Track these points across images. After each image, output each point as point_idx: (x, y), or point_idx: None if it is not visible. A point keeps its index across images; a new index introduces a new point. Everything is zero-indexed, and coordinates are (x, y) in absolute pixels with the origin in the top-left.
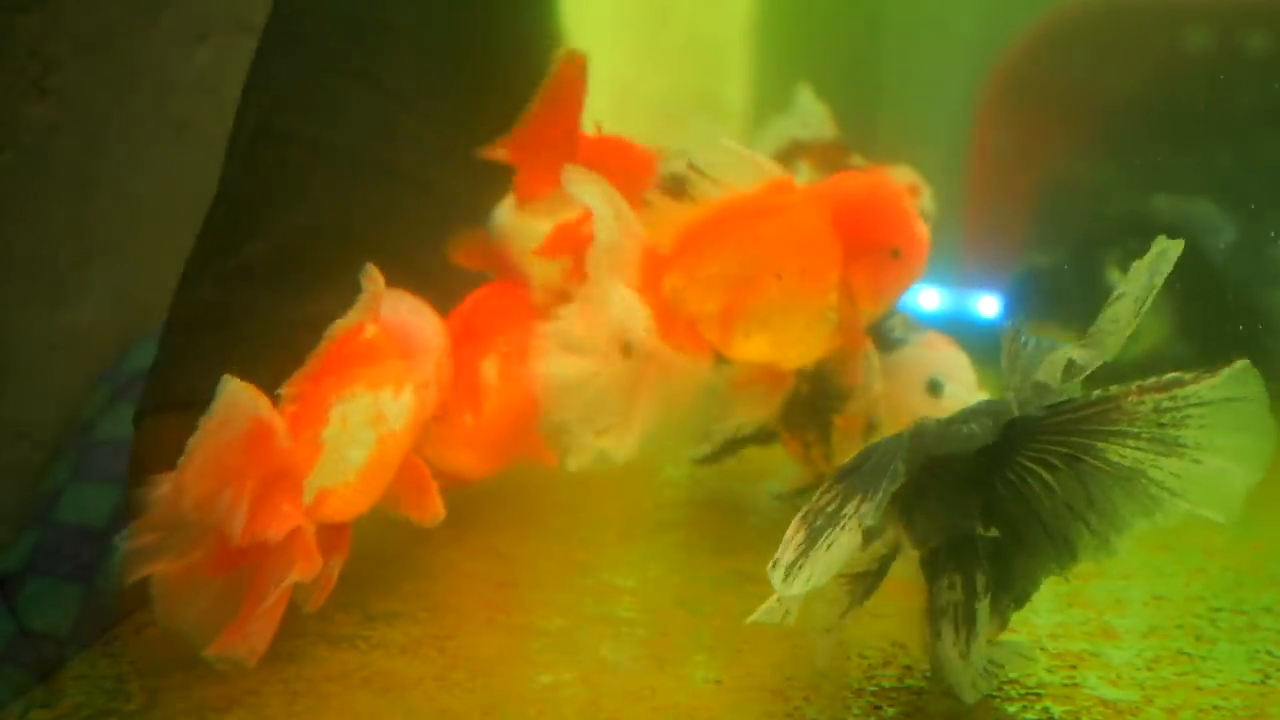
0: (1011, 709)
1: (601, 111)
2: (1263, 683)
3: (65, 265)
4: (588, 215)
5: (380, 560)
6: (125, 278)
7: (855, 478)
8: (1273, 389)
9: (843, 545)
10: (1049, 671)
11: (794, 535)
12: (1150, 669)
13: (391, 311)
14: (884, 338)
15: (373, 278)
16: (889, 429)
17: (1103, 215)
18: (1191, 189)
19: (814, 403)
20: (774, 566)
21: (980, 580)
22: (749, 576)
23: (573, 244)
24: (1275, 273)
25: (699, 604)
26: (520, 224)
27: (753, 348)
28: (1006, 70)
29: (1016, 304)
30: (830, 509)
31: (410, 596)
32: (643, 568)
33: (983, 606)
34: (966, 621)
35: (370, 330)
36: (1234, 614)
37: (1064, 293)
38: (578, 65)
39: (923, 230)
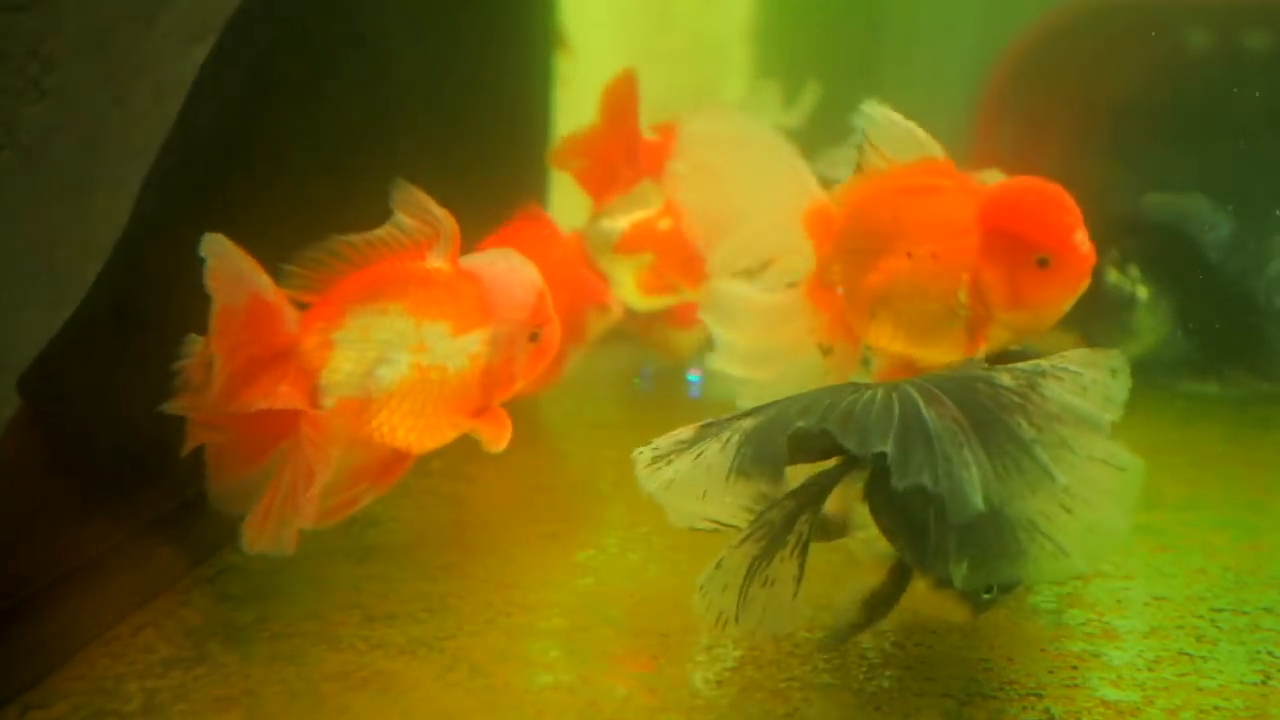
0: (1012, 709)
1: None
2: (1264, 683)
3: (63, 265)
4: (662, 212)
5: (380, 561)
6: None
7: (758, 416)
8: (1271, 386)
9: (711, 462)
10: (1050, 672)
11: (681, 432)
12: (1151, 669)
13: (488, 264)
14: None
15: (447, 219)
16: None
17: (1100, 214)
18: (1191, 187)
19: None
20: (645, 449)
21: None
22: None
23: (650, 240)
24: (1272, 267)
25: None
26: (595, 227)
27: (880, 331)
28: (1007, 69)
29: None
30: (717, 427)
31: (409, 597)
32: (642, 568)
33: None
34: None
35: (437, 264)
36: (1235, 615)
37: None
38: (629, 80)
39: (1081, 244)
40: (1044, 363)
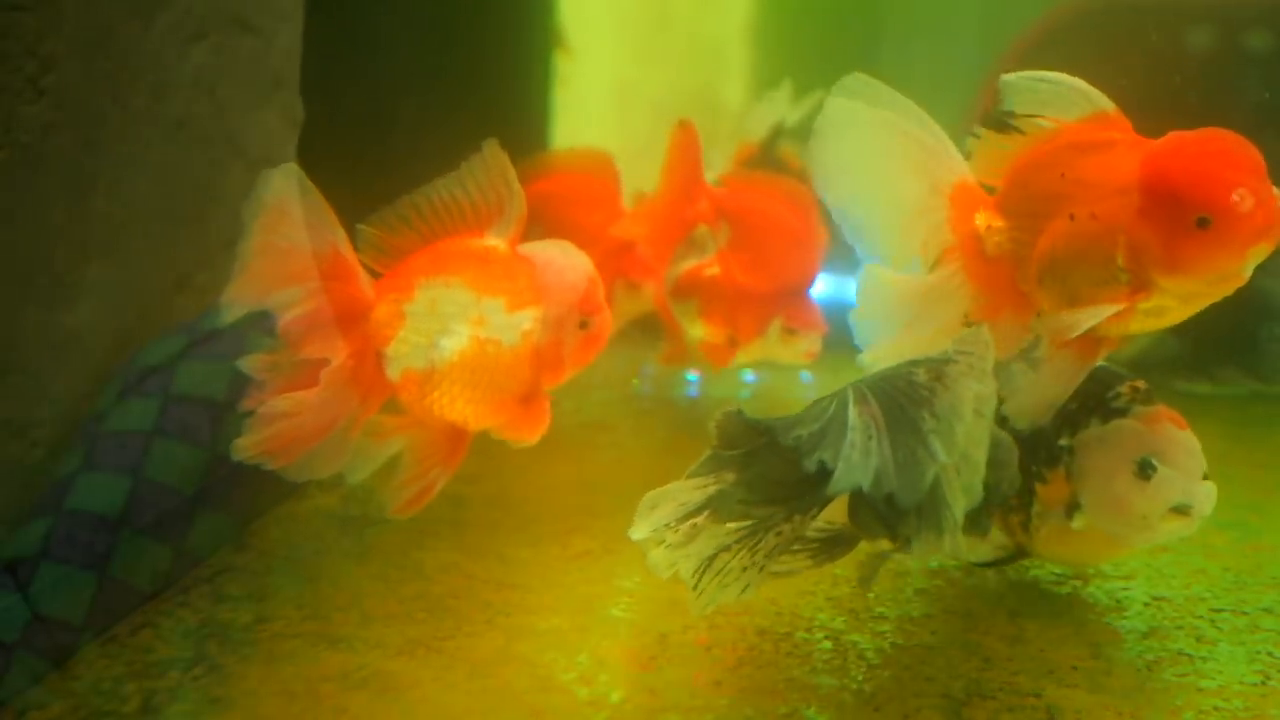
0: (1012, 709)
1: (602, 113)
2: (1264, 683)
3: (62, 265)
4: (712, 260)
5: (379, 561)
6: (123, 277)
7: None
8: (1263, 386)
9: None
10: (1050, 672)
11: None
12: (1151, 670)
13: (542, 249)
14: (1104, 404)
15: (518, 198)
16: (1094, 511)
17: None
18: None
19: (1021, 464)
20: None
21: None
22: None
23: (698, 286)
24: (1268, 264)
25: None
26: (668, 274)
27: (1048, 298)
28: (1007, 69)
29: None
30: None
31: (409, 597)
32: (642, 568)
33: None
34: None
35: (497, 243)
36: (1235, 615)
37: None
38: (689, 131)
39: (1241, 203)
40: (950, 349)
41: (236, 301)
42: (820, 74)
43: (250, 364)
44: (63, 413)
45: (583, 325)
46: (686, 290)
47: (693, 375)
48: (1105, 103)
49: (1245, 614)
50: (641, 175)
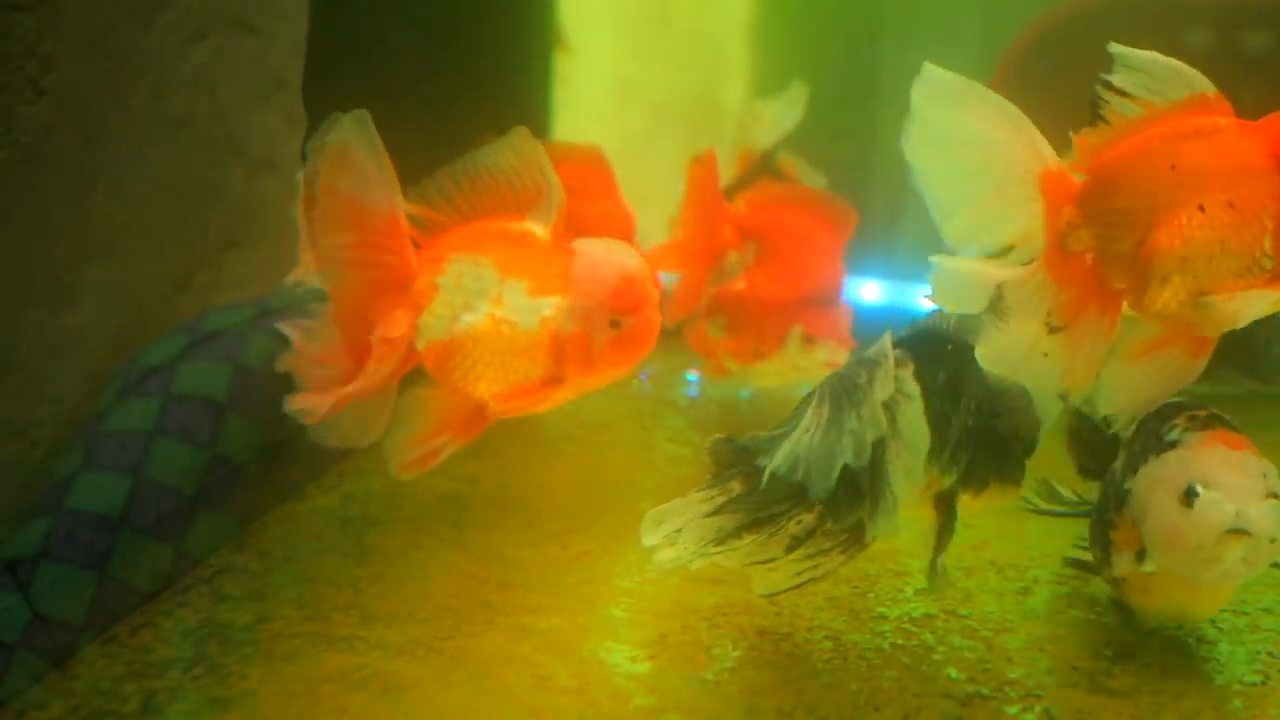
0: (1012, 710)
1: (602, 111)
2: (1264, 683)
3: (62, 265)
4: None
5: (379, 561)
6: (123, 277)
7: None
8: (1260, 386)
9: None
10: (1049, 672)
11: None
12: (1151, 670)
13: (590, 244)
14: (1159, 439)
15: (557, 188)
16: (1155, 550)
17: None
18: None
19: (1097, 514)
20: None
21: None
22: (748, 577)
23: (726, 306)
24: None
25: (698, 605)
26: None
27: (1170, 296)
28: (1008, 69)
29: None
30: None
31: (409, 598)
32: (642, 568)
33: None
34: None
35: (536, 229)
36: (1235, 615)
37: None
38: (709, 164)
39: None
40: (871, 352)
41: (307, 252)
42: (820, 73)
43: (290, 330)
44: (63, 413)
45: (615, 324)
46: (714, 308)
47: (693, 375)
48: (1206, 85)
49: (1245, 614)
50: (641, 174)
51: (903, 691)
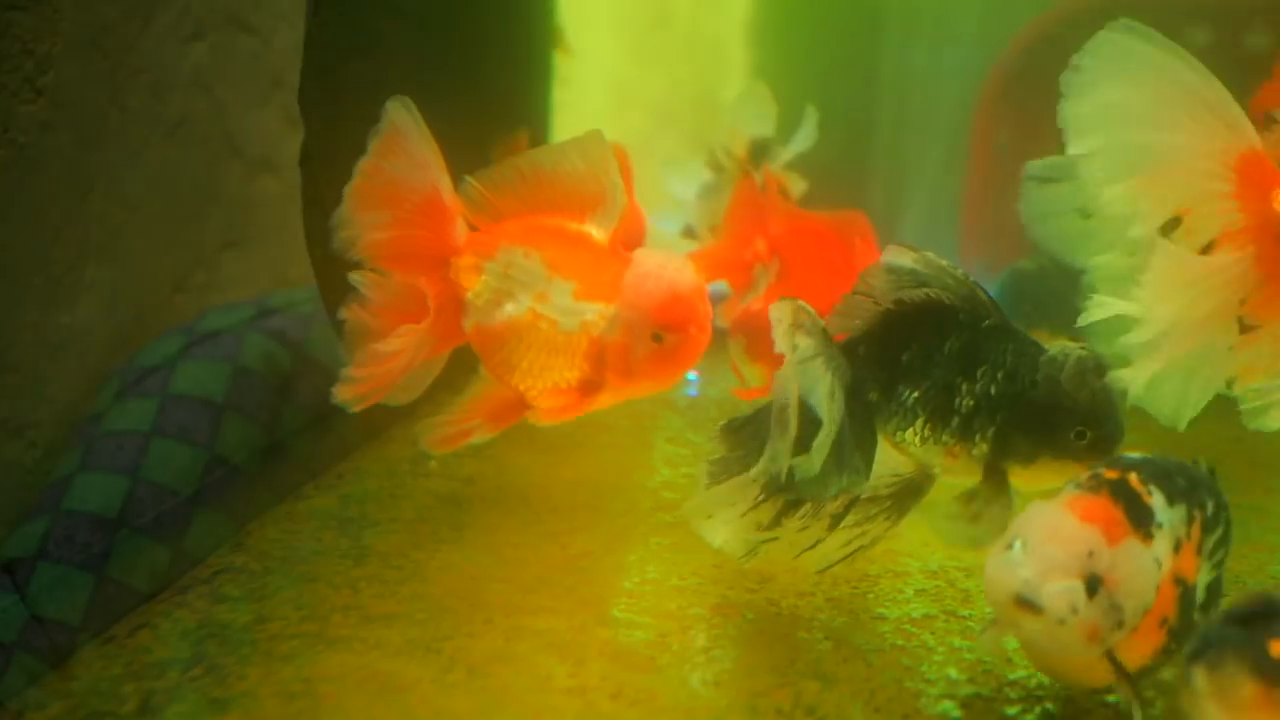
0: (1012, 710)
1: (601, 111)
2: None
3: (60, 265)
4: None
5: (378, 561)
6: (121, 277)
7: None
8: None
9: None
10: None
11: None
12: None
13: (647, 255)
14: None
15: (620, 192)
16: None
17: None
18: None
19: None
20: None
21: None
22: (748, 577)
23: (746, 324)
24: None
25: (697, 605)
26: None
27: None
28: (1007, 69)
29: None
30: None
31: (408, 598)
32: (641, 568)
33: None
34: None
35: (595, 232)
36: None
37: (1046, 295)
38: (752, 184)
39: None
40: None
41: (345, 214)
42: (819, 74)
43: (347, 313)
44: (60, 413)
45: (658, 337)
46: (734, 329)
47: (692, 375)
48: None
49: None
50: (640, 174)
51: (902, 692)
